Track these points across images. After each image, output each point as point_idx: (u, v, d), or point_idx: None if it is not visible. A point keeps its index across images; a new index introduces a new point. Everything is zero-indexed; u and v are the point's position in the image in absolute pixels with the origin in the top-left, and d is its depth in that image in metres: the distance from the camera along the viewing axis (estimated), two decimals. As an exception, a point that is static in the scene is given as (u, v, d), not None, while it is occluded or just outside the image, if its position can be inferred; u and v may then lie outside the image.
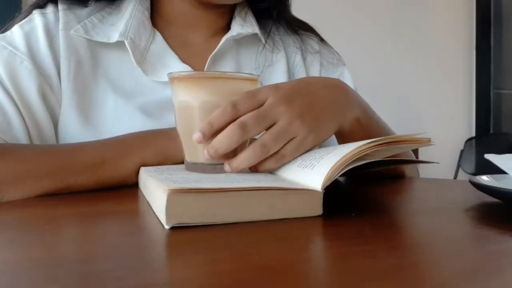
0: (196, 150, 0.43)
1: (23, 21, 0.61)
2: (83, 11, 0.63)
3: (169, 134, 0.51)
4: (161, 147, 0.50)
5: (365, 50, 2.55)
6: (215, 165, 0.42)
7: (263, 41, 0.69)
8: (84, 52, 0.61)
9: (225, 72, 0.44)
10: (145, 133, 0.52)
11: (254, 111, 0.41)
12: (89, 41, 0.61)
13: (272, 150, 0.40)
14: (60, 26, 0.60)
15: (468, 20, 2.85)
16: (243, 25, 0.67)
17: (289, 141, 0.41)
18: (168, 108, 0.61)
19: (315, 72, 0.73)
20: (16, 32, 0.59)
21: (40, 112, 0.57)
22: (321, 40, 0.77)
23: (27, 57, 0.57)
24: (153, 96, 0.61)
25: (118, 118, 0.59)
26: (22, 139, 0.55)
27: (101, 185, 0.47)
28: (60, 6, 0.62)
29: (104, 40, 0.61)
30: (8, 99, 0.55)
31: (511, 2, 2.82)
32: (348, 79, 0.73)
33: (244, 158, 0.40)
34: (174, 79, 0.43)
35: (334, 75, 0.74)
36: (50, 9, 0.62)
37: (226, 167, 0.41)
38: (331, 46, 0.77)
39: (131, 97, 0.60)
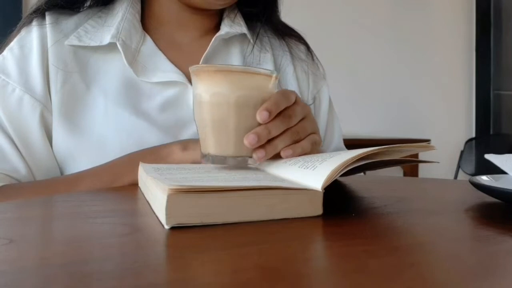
0: (210, 143, 0.44)
1: (12, 42, 0.62)
2: (70, 22, 0.65)
3: (159, 154, 0.52)
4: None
5: (364, 51, 2.55)
6: (232, 158, 0.44)
7: (251, 41, 0.71)
8: (72, 62, 0.62)
9: (244, 66, 0.46)
10: (135, 156, 0.54)
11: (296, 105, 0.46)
12: (77, 50, 0.63)
13: (302, 136, 0.46)
14: (49, 42, 0.62)
15: (468, 20, 2.85)
16: (232, 26, 0.69)
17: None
18: (156, 107, 0.62)
19: (302, 76, 0.76)
20: (7, 57, 0.61)
21: (35, 138, 0.59)
22: (308, 49, 0.78)
23: (18, 84, 0.59)
24: (143, 96, 0.63)
25: (108, 122, 0.60)
26: (21, 168, 0.58)
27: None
28: (48, 20, 0.63)
29: (97, 43, 0.62)
30: (1, 133, 0.58)
31: (511, 2, 2.82)
32: (326, 94, 0.78)
33: (281, 140, 0.44)
34: (192, 72, 0.45)
35: (318, 86, 0.77)
36: (36, 25, 0.63)
37: (260, 153, 0.43)
38: (317, 58, 0.80)
39: (121, 98, 0.62)
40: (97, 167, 0.55)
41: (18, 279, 0.21)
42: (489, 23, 2.84)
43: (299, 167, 0.39)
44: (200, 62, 0.66)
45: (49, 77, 0.60)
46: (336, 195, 0.43)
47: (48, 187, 0.54)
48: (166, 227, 0.29)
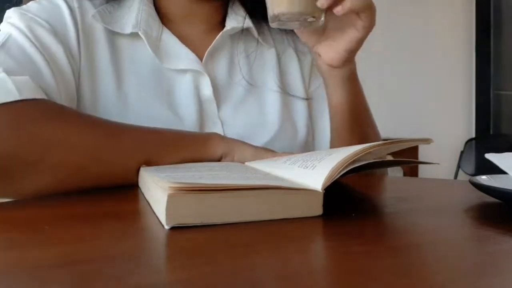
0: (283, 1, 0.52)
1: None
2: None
3: (202, 137, 0.54)
4: (195, 150, 0.53)
5: (364, 50, 2.55)
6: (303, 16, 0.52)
7: (256, 36, 0.72)
8: (101, 37, 0.63)
9: None
10: (185, 140, 0.54)
11: None
12: (104, 27, 0.63)
13: None
14: (78, 10, 0.62)
15: (468, 20, 2.85)
16: (237, 21, 0.70)
17: None
18: (180, 95, 0.64)
19: (307, 70, 0.77)
20: (34, 5, 0.60)
21: (64, 66, 0.58)
22: None
23: (46, 23, 0.58)
24: (168, 84, 0.64)
25: (141, 101, 0.62)
26: (53, 87, 0.55)
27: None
28: None
29: (118, 30, 0.63)
30: (37, 52, 0.55)
31: (511, 2, 2.82)
32: None
33: None
34: None
35: (319, 80, 0.75)
36: None
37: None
38: None
39: (147, 85, 0.63)
40: (143, 128, 0.52)
41: (18, 279, 0.21)
42: (489, 23, 2.84)
43: (298, 166, 0.39)
44: (205, 57, 0.67)
45: (79, 38, 0.61)
46: (336, 195, 0.43)
47: (95, 122, 0.51)
48: (166, 227, 0.29)
